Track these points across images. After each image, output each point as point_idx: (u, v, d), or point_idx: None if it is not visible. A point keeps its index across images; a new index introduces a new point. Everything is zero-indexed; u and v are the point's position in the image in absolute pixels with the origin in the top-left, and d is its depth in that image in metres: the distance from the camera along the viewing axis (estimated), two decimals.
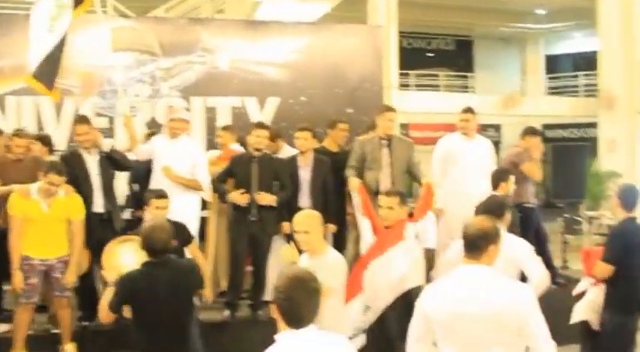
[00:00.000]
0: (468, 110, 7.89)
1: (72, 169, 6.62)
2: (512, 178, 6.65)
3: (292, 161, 7.58)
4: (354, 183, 6.99)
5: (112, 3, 11.14)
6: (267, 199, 7.04)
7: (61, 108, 8.98)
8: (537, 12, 24.83)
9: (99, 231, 6.66)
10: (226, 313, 7.16)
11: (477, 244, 3.63)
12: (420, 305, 3.74)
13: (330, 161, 7.54)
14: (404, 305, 5.29)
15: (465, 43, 27.15)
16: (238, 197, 7.00)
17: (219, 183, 7.22)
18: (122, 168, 7.30)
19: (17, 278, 6.08)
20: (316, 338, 3.06)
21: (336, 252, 5.12)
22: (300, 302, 3.00)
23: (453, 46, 27.34)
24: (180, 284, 4.67)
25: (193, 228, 6.93)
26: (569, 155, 15.72)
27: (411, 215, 6.12)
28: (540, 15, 25.06)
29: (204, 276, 5.58)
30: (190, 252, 6.14)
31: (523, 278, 5.03)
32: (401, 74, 20.57)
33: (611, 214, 6.20)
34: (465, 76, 25.22)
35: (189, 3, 12.74)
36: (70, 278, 6.29)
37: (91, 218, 6.64)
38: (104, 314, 4.70)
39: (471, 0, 22.27)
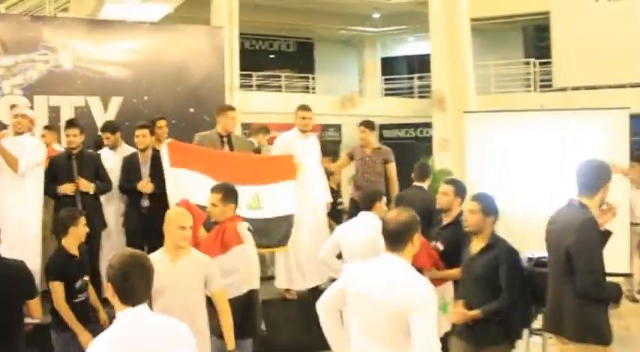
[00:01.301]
0: (309, 108, 8.11)
1: None
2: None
3: (133, 158, 7.84)
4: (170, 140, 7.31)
5: None
6: (85, 185, 7.30)
7: None
8: (373, 16, 25.81)
9: None
10: None
11: (401, 238, 3.77)
12: (342, 278, 4.05)
13: None
14: (244, 303, 5.55)
15: (306, 44, 27.76)
16: (67, 187, 7.23)
17: (46, 183, 7.32)
18: None
19: None
20: (155, 317, 3.23)
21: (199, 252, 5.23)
22: (135, 279, 3.12)
23: (294, 48, 27.89)
24: (5, 282, 4.68)
25: (34, 229, 7.10)
26: (405, 154, 16.58)
27: None
28: (376, 19, 26.07)
29: None
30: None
31: None
32: (243, 75, 20.95)
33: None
34: (306, 77, 25.80)
35: (32, 1, 12.59)
36: None
37: None
38: None
39: (311, 3, 22.76)
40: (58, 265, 5.68)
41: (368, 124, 8.78)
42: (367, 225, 6.36)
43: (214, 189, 5.68)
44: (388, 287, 3.68)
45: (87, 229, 5.92)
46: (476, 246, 5.28)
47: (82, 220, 5.86)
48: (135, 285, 3.12)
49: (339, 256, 6.73)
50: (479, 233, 5.24)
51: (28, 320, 5.26)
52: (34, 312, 5.13)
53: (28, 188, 7.14)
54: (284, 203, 7.41)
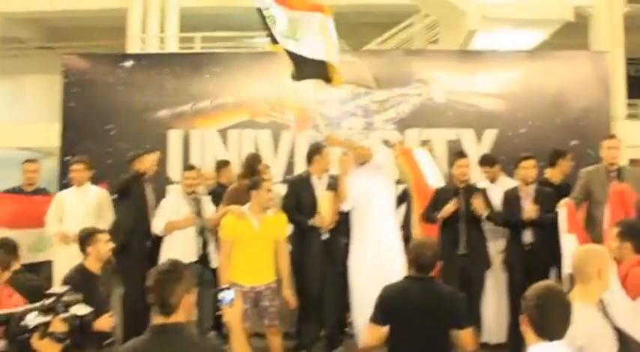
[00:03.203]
0: None
1: (299, 192, 7.25)
2: None
3: (514, 192, 7.62)
4: (563, 201, 6.91)
5: None
6: (480, 207, 7.20)
7: (279, 140, 9.87)
8: None
9: None
10: None
11: None
12: None
13: (553, 193, 7.34)
14: None
15: None
16: (447, 210, 7.20)
17: (427, 214, 7.44)
18: None
19: None
20: None
21: None
22: (552, 313, 3.16)
23: None
24: (436, 306, 4.68)
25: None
26: None
27: None
28: None
29: None
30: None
31: None
32: (629, 104, 19.87)
33: None
34: None
35: (402, 35, 13.11)
36: (288, 295, 6.65)
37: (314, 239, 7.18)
38: (368, 331, 4.78)
39: None
40: None
41: None
42: None
43: (616, 224, 5.28)
44: None
45: None
46: None
47: None
48: (551, 319, 3.17)
49: None
50: None
51: None
52: (467, 343, 4.81)
53: (393, 216, 7.32)
54: None
